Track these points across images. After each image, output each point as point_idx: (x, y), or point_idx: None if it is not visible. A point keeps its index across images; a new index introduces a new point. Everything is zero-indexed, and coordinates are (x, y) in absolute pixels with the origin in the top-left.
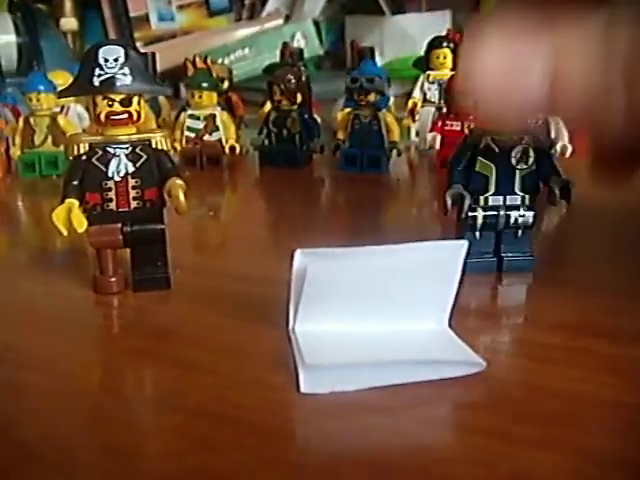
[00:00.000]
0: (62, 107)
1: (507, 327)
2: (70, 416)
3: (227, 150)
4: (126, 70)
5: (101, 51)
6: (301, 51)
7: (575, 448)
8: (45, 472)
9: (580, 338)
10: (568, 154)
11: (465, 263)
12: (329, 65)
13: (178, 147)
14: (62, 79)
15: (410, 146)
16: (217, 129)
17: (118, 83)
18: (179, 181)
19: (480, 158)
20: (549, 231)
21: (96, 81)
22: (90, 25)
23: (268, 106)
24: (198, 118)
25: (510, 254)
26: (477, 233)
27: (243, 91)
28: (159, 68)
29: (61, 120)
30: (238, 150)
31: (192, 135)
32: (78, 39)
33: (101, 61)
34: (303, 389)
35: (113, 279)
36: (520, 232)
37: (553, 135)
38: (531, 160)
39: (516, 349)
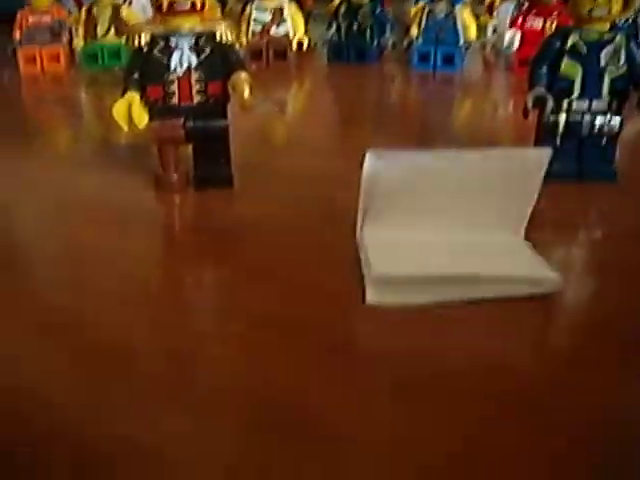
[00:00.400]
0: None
1: (585, 242)
2: (132, 323)
3: (294, 44)
4: None
5: None
6: None
7: None
8: (105, 377)
9: None
10: None
11: (545, 171)
12: None
13: (244, 40)
14: None
15: (487, 44)
16: (285, 21)
17: None
18: (244, 75)
19: (566, 58)
20: (634, 141)
21: None
22: None
23: None
24: (265, 10)
25: (592, 164)
26: (558, 139)
27: None
28: None
29: (124, 10)
30: (306, 44)
31: (259, 28)
32: None
33: None
34: (369, 299)
35: (175, 176)
36: (604, 140)
37: None
38: (622, 61)
39: (593, 266)
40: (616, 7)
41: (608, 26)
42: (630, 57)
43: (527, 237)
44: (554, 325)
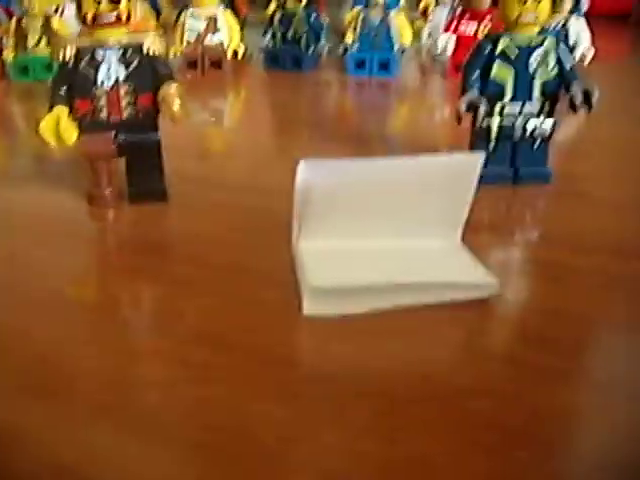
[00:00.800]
0: (56, 7)
1: (521, 244)
2: (65, 341)
3: (230, 52)
4: None
5: None
6: None
7: (588, 376)
8: (38, 397)
9: (596, 256)
10: (588, 60)
11: (479, 175)
12: None
13: (178, 49)
14: None
15: (422, 49)
16: (219, 30)
17: None
18: (174, 87)
19: (497, 63)
20: (567, 142)
21: None
22: None
23: (273, 6)
24: (200, 18)
25: (526, 166)
26: (492, 143)
27: None
28: None
29: (55, 21)
30: (241, 52)
31: (193, 36)
32: None
33: None
34: (306, 311)
35: (107, 191)
36: (537, 143)
37: (572, 40)
38: (552, 65)
39: (530, 267)
40: (544, 13)
41: (537, 31)
42: (559, 61)
43: (464, 241)
44: (491, 329)
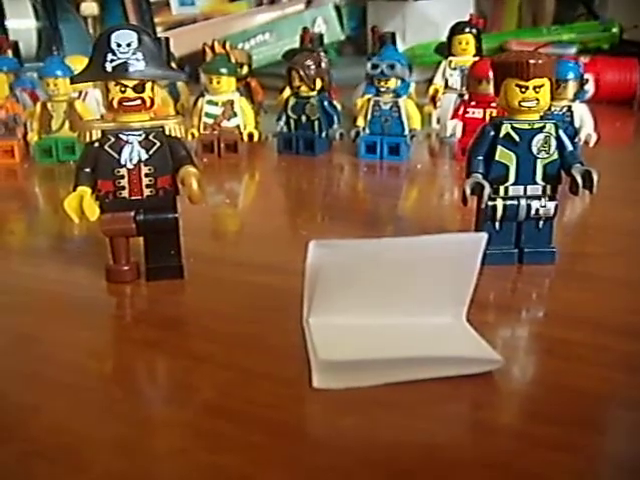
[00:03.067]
0: (80, 92)
1: (526, 322)
2: (78, 410)
3: (245, 137)
4: (139, 55)
5: (114, 36)
6: (321, 36)
7: (596, 451)
8: (51, 468)
9: (602, 335)
10: (592, 143)
11: (485, 254)
12: (350, 51)
13: (196, 133)
14: (80, 64)
15: (431, 134)
16: (235, 115)
17: (131, 69)
18: (193, 169)
19: (500, 146)
20: (572, 222)
21: (108, 67)
22: (110, 10)
23: (287, 92)
24: (216, 104)
25: (531, 246)
26: (497, 223)
27: (263, 77)
28: (179, 53)
29: (78, 105)
30: (256, 137)
31: (210, 121)
32: (98, 24)
33: (114, 46)
34: (316, 384)
35: (126, 268)
36: (541, 223)
37: (577, 123)
38: (552, 149)
39: (535, 345)
40: (544, 99)
41: (538, 116)
42: (560, 144)
43: (469, 319)
44: (496, 403)
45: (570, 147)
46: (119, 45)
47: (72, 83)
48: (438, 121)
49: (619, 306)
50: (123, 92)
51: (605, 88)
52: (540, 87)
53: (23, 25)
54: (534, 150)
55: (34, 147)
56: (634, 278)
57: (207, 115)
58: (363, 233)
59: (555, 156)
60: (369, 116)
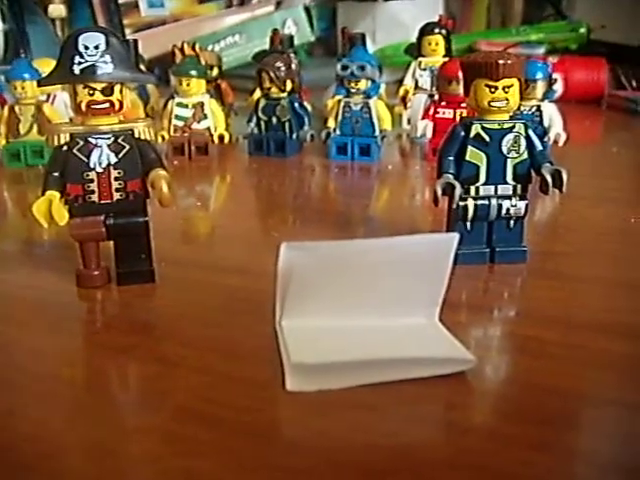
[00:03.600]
0: (48, 95)
1: (499, 321)
2: (51, 417)
3: (216, 139)
4: (107, 58)
5: (81, 38)
6: (291, 38)
7: (570, 449)
8: (27, 475)
9: (573, 333)
10: (562, 142)
11: (456, 254)
12: (320, 52)
13: (166, 136)
14: (48, 67)
15: (402, 134)
16: (206, 117)
17: (99, 71)
18: (162, 172)
19: (471, 147)
20: (542, 221)
21: (76, 69)
22: (78, 12)
23: (257, 94)
24: (186, 106)
25: (502, 245)
26: (468, 223)
27: (233, 78)
28: (148, 55)
29: (47, 109)
30: (227, 139)
31: (180, 123)
32: (66, 26)
33: (81, 49)
34: (289, 387)
35: (96, 272)
36: (512, 222)
37: (546, 123)
38: (522, 148)
39: (508, 344)
40: (513, 99)
41: (508, 116)
42: (529, 144)
43: (442, 319)
44: (469, 403)
45: (540, 147)
46: (87, 47)
47: (39, 86)
48: (409, 122)
49: (590, 304)
50: (91, 95)
51: (574, 88)
52: (509, 87)
53: None
54: (504, 150)
55: (2, 151)
56: (605, 276)
57: (177, 117)
58: (335, 234)
59: (525, 156)
60: (340, 117)
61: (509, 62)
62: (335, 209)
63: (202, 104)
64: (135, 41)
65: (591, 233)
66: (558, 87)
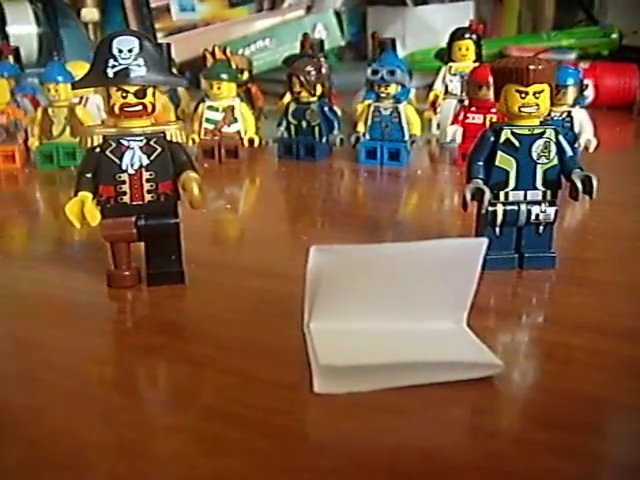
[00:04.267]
0: (81, 98)
1: (527, 327)
2: (80, 414)
3: (246, 142)
4: (140, 61)
5: (115, 42)
6: (322, 42)
7: (597, 456)
8: (52, 472)
9: (602, 339)
10: (592, 148)
11: (485, 259)
12: (350, 56)
13: (196, 139)
14: (81, 70)
15: (431, 139)
16: (236, 120)
17: (132, 74)
18: (194, 174)
19: (500, 152)
20: (572, 227)
21: (110, 72)
22: (111, 15)
23: (288, 98)
24: (217, 109)
25: (531, 251)
26: (497, 229)
27: (263, 82)
28: (179, 59)
29: (79, 111)
30: (257, 142)
31: (211, 127)
32: (99, 30)
33: (115, 52)
34: (317, 389)
35: (127, 273)
36: (542, 228)
37: (577, 129)
38: (552, 154)
39: (536, 350)
40: (544, 105)
41: (538, 121)
42: (560, 150)
43: (469, 324)
44: (496, 408)
45: (570, 152)
46: (120, 51)
47: (74, 89)
48: (438, 127)
49: (619, 311)
50: (124, 98)
51: (605, 93)
52: (540, 93)
53: (24, 31)
54: (534, 155)
55: (35, 152)
56: (634, 283)
57: (208, 121)
58: (364, 238)
59: (555, 161)
60: (369, 122)
61: (540, 67)
62: (364, 213)
63: (232, 107)
64: (168, 45)
65: (621, 239)
66: (589, 93)
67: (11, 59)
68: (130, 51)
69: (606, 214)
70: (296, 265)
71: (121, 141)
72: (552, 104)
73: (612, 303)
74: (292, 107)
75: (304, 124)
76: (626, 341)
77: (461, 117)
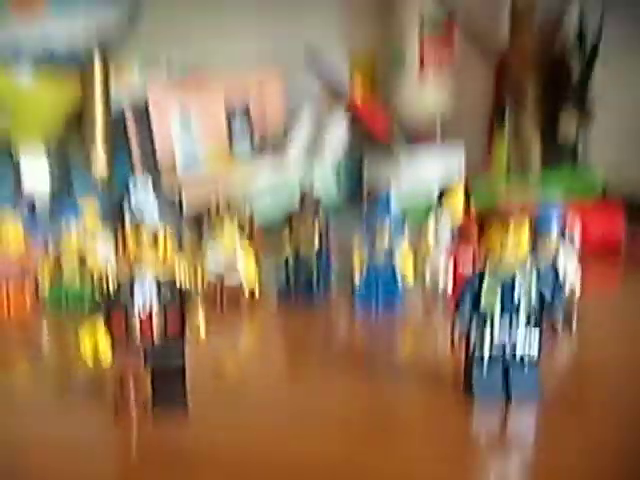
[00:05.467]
0: (90, 245)
1: (517, 454)
2: None
3: (247, 290)
4: (155, 209)
5: (132, 192)
6: (319, 196)
7: None
8: None
9: (597, 465)
10: (577, 290)
11: (474, 395)
12: (347, 210)
13: (199, 288)
14: (91, 207)
15: (424, 287)
16: (238, 271)
17: (148, 221)
18: (200, 315)
19: (484, 296)
20: (556, 363)
21: (127, 219)
22: (119, 168)
23: (288, 248)
24: (219, 260)
25: (518, 386)
26: (485, 366)
27: (264, 233)
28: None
29: (89, 258)
30: (257, 290)
31: (213, 275)
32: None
33: (132, 200)
34: None
35: (133, 405)
36: (527, 365)
37: (562, 271)
38: (534, 295)
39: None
40: (523, 251)
41: (519, 263)
42: (540, 291)
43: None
44: None
45: (550, 292)
46: (137, 200)
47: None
48: (430, 275)
49: (602, 450)
50: (139, 244)
51: (590, 237)
52: (520, 236)
53: (38, 184)
54: (516, 299)
55: (45, 297)
56: (621, 416)
57: (210, 269)
58: (361, 380)
59: (536, 302)
60: (364, 270)
61: (519, 212)
62: (360, 355)
63: (235, 257)
64: (179, 190)
65: (603, 372)
66: (575, 236)
67: (26, 209)
68: (146, 200)
69: (592, 351)
70: (293, 399)
71: (134, 284)
72: (537, 249)
73: (594, 442)
74: (292, 258)
75: (303, 275)
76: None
77: (452, 264)
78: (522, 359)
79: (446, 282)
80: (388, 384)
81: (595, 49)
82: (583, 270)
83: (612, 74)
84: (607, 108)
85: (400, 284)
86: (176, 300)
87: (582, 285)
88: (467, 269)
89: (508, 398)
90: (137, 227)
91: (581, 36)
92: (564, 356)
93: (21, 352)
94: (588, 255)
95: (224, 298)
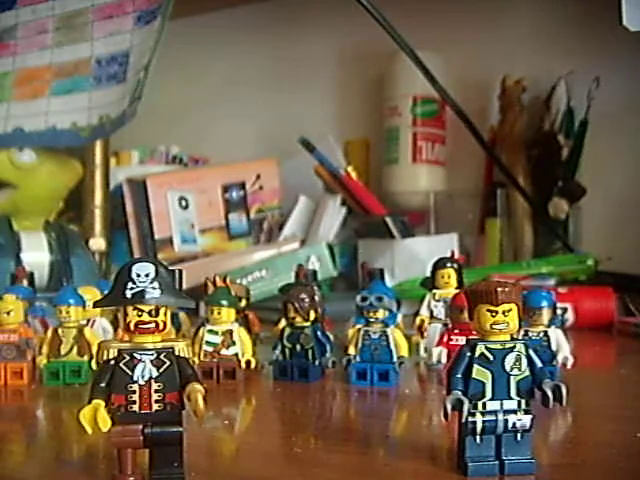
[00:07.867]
0: (88, 320)
1: None
2: None
3: (243, 364)
4: (155, 284)
5: (135, 267)
6: (315, 272)
7: None
8: None
9: None
10: (570, 365)
11: (467, 466)
12: (342, 286)
13: (196, 360)
14: (90, 294)
15: (419, 361)
16: (234, 344)
17: (147, 296)
18: (198, 386)
19: (476, 365)
20: (551, 436)
21: (128, 293)
22: (117, 245)
23: (283, 323)
24: (216, 333)
25: (511, 457)
26: (477, 437)
27: (259, 310)
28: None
29: (87, 332)
30: (253, 364)
31: (210, 349)
32: (105, 258)
33: (134, 276)
34: None
35: (131, 478)
36: (519, 435)
37: (554, 347)
38: (524, 366)
39: None
40: (513, 322)
41: (509, 337)
42: (530, 362)
43: None
44: None
45: (539, 364)
46: (138, 275)
47: (94, 307)
48: (425, 349)
49: None
50: (140, 316)
51: (584, 316)
52: (509, 311)
53: (38, 258)
54: (507, 368)
55: (42, 369)
56: None
57: (207, 343)
58: (356, 453)
59: (527, 373)
60: (359, 345)
61: (507, 289)
62: (356, 429)
63: (231, 332)
64: (180, 271)
65: (598, 447)
66: (569, 315)
67: (25, 283)
68: (147, 275)
69: (584, 424)
70: (290, 475)
71: (134, 354)
72: (529, 324)
73: None
74: (287, 331)
75: (298, 347)
76: None
77: (445, 339)
78: (514, 428)
79: (440, 354)
80: (383, 458)
81: (584, 125)
82: (578, 345)
83: (603, 151)
84: (598, 186)
85: (395, 357)
86: (175, 370)
87: (574, 359)
88: (462, 341)
89: (501, 467)
90: (139, 302)
91: (570, 112)
92: (559, 428)
93: (13, 425)
94: (580, 331)
95: (220, 369)
